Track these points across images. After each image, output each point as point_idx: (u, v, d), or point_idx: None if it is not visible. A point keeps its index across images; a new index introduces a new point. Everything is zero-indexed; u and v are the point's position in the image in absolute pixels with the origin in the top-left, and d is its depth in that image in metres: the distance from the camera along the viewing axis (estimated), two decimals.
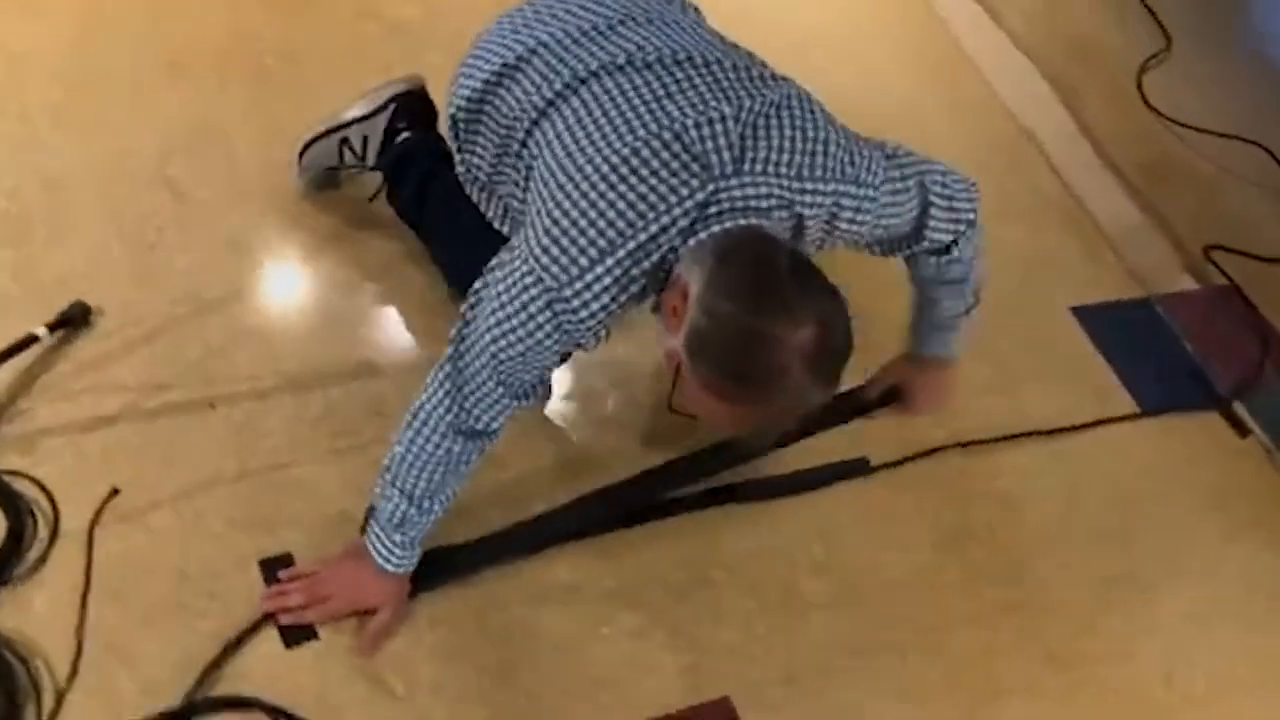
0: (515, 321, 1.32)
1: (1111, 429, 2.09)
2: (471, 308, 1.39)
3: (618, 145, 1.31)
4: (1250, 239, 2.46)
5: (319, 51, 2.14)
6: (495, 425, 1.43)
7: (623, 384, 1.89)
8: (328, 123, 1.85)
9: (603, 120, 1.34)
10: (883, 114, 2.06)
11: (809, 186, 1.33)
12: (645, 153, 1.29)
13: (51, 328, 1.63)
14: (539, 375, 1.41)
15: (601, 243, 1.27)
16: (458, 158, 1.62)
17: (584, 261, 1.28)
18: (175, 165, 1.89)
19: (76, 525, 1.51)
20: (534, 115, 1.43)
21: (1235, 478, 2.11)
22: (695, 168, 1.28)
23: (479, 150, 1.55)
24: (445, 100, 1.61)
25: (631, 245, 1.27)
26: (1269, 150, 2.61)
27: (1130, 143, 2.65)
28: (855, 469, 1.89)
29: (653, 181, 1.28)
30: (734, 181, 1.29)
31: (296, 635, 1.49)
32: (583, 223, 1.28)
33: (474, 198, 1.67)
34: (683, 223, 1.27)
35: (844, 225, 1.40)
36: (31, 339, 1.60)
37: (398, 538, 1.46)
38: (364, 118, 1.83)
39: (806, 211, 1.34)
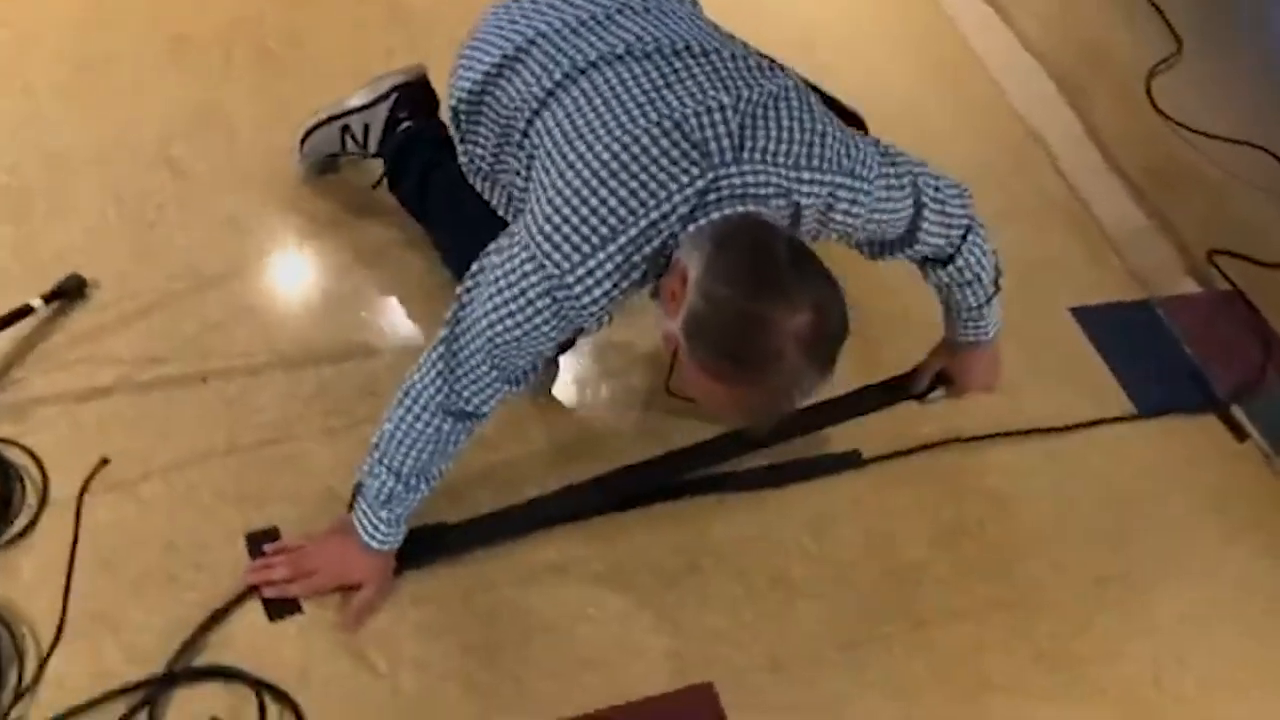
0: (514, 306, 1.33)
1: (1108, 429, 2.08)
2: (468, 290, 1.39)
3: (618, 134, 1.32)
4: (1256, 244, 2.45)
5: (322, 36, 2.16)
6: (485, 408, 1.44)
7: (617, 368, 1.90)
8: (330, 110, 1.86)
9: (603, 109, 1.36)
10: (887, 111, 2.06)
11: (806, 176, 1.35)
12: (645, 140, 1.31)
13: (47, 299, 1.64)
14: (533, 360, 1.42)
15: (603, 230, 1.29)
16: (461, 148, 1.63)
17: (586, 249, 1.29)
18: (177, 145, 1.91)
19: (66, 493, 1.52)
20: (534, 105, 1.44)
21: (1232, 481, 2.09)
22: (695, 155, 1.30)
23: (481, 140, 1.57)
24: (446, 90, 1.62)
25: (633, 232, 1.29)
26: (1277, 156, 2.60)
27: (1137, 146, 2.64)
28: (848, 462, 1.89)
29: (653, 170, 1.29)
30: (733, 169, 1.30)
31: (280, 609, 1.50)
32: (584, 210, 1.29)
33: (477, 186, 1.68)
34: (683, 209, 1.29)
35: (838, 216, 1.42)
36: (26, 310, 1.62)
37: (384, 514, 1.47)
38: (365, 106, 1.84)
39: (803, 200, 1.36)
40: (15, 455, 1.53)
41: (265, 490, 1.59)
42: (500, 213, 1.67)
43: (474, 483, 1.66)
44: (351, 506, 1.51)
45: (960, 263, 1.59)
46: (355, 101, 1.84)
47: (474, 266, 1.39)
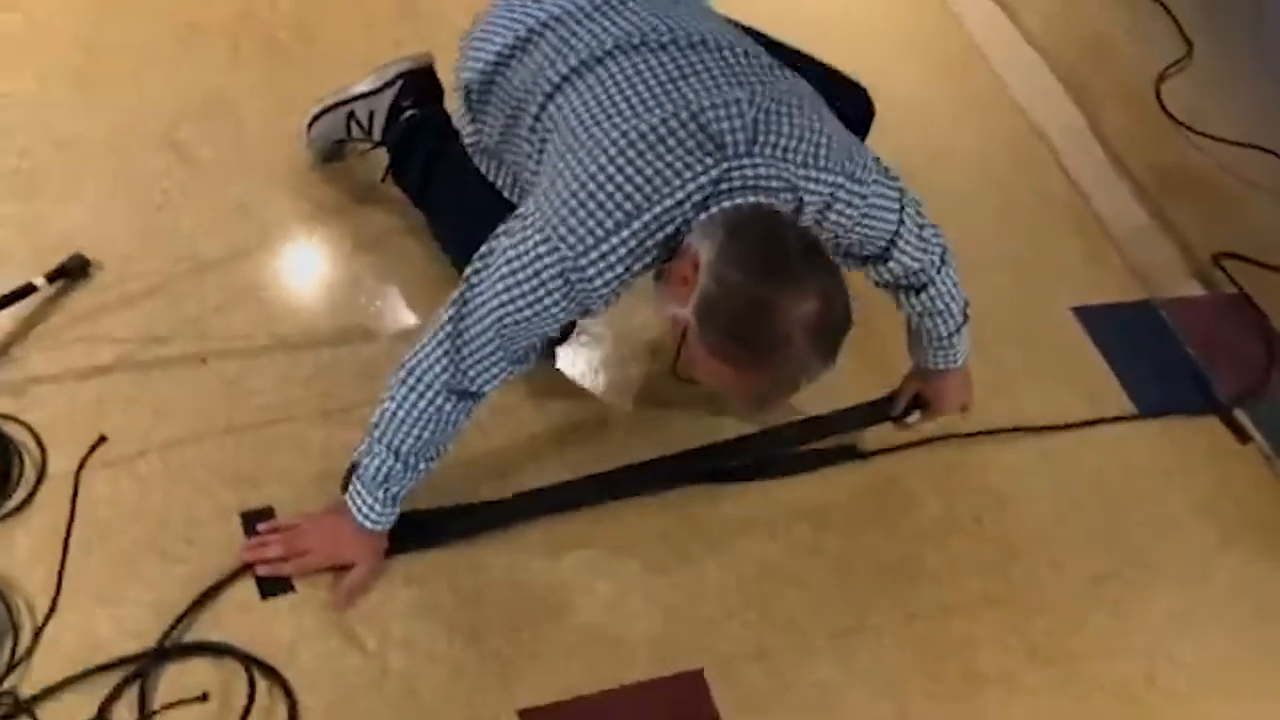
0: (526, 287, 1.36)
1: (1107, 429, 2.08)
2: (477, 272, 1.41)
3: (635, 122, 1.36)
4: (1263, 247, 2.44)
5: (331, 26, 2.18)
6: (488, 387, 1.46)
7: (613, 357, 1.91)
8: (336, 96, 1.88)
9: (619, 98, 1.39)
10: (891, 107, 2.06)
11: (813, 174, 1.39)
12: (663, 130, 1.35)
13: (50, 278, 1.66)
14: (538, 341, 1.45)
15: (618, 215, 1.32)
16: (470, 126, 1.64)
17: (600, 232, 1.33)
18: (185, 131, 1.93)
19: (63, 469, 1.54)
20: (548, 89, 1.46)
21: (1232, 483, 2.09)
22: (710, 146, 1.34)
23: (489, 120, 1.58)
24: (456, 70, 1.64)
25: (647, 217, 1.33)
26: None
27: (1145, 148, 2.64)
28: (845, 455, 1.89)
29: (669, 158, 1.33)
30: (745, 161, 1.35)
31: (272, 587, 1.51)
32: (600, 196, 1.33)
33: (482, 166, 1.70)
34: (696, 197, 1.33)
35: (833, 216, 1.46)
36: (29, 288, 1.64)
37: (380, 494, 1.48)
38: (371, 93, 1.86)
39: (807, 197, 1.40)
40: (14, 430, 1.55)
41: (261, 470, 1.61)
42: (506, 193, 1.70)
43: (467, 468, 1.67)
44: (345, 487, 1.52)
45: (933, 291, 1.64)
46: (361, 88, 1.86)
47: (483, 248, 1.42)
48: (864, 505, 1.85)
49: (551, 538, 1.67)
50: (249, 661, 1.44)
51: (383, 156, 1.90)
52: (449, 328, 1.41)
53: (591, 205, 1.33)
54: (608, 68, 1.43)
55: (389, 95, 1.85)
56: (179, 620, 1.45)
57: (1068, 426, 2.06)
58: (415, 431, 1.45)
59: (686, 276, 1.31)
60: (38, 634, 1.41)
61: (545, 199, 1.36)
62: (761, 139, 1.36)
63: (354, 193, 1.96)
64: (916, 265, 1.60)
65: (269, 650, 1.46)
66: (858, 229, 1.50)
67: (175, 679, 1.41)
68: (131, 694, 1.38)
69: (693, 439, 1.82)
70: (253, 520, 1.56)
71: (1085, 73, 2.76)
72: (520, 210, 1.41)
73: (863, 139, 1.72)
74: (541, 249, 1.34)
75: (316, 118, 1.90)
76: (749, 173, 1.35)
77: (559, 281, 1.34)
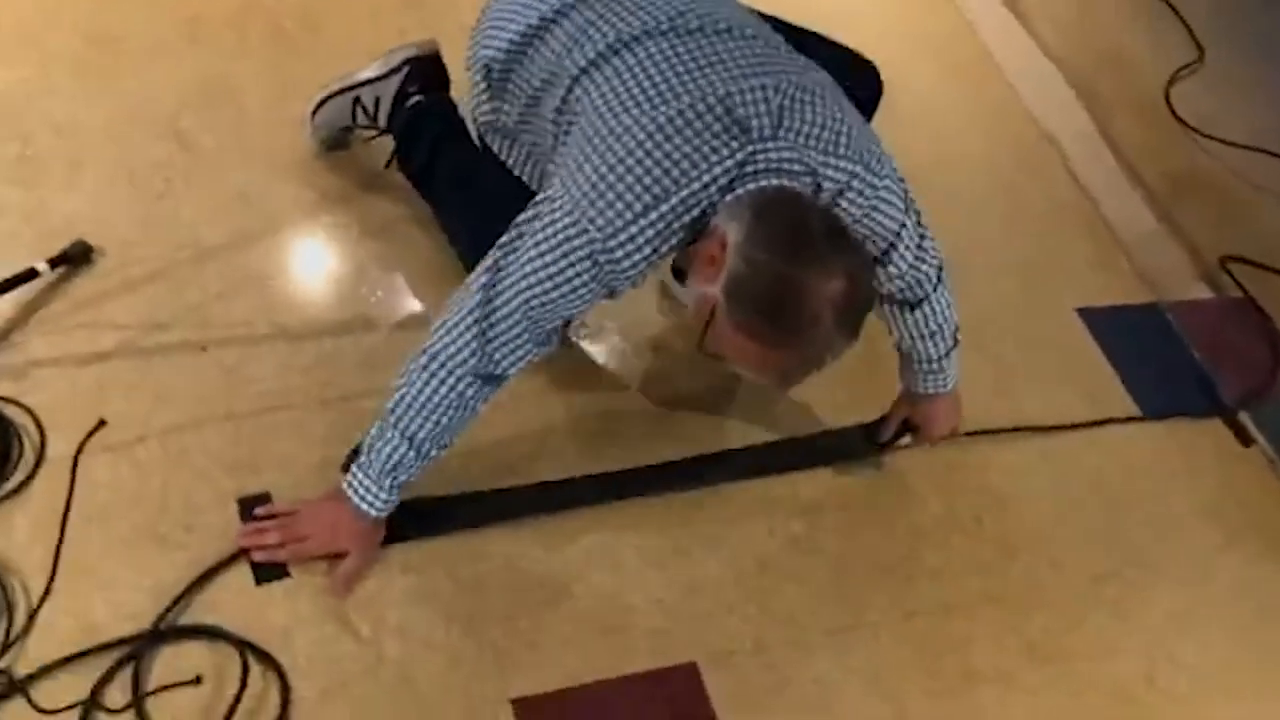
0: (554, 269, 1.38)
1: (1110, 430, 2.07)
2: (505, 254, 1.42)
3: (664, 108, 1.38)
4: (1271, 252, 2.43)
5: (337, 17, 2.18)
6: (512, 370, 1.47)
7: (620, 351, 1.92)
8: (341, 82, 1.89)
9: (647, 84, 1.41)
10: (902, 111, 2.07)
11: (831, 161, 1.42)
12: (690, 114, 1.37)
13: (52, 264, 1.67)
14: (561, 322, 1.46)
15: (647, 198, 1.35)
16: (487, 105, 1.64)
17: (629, 215, 1.35)
18: (188, 119, 1.94)
19: (62, 452, 1.54)
20: (574, 73, 1.47)
21: (1235, 485, 2.08)
22: (735, 130, 1.37)
23: (509, 99, 1.59)
24: (472, 49, 1.63)
25: (675, 200, 1.36)
26: None
27: (1154, 152, 2.63)
28: (846, 454, 1.88)
29: (696, 142, 1.36)
30: (770, 145, 1.38)
31: (268, 572, 1.51)
32: (629, 178, 1.35)
33: (495, 145, 1.70)
34: (723, 180, 1.36)
35: (845, 204, 1.48)
36: (32, 273, 1.64)
37: (386, 482, 1.48)
38: (377, 79, 1.86)
39: (824, 183, 1.43)
40: (14, 414, 1.55)
41: (259, 457, 1.61)
42: (516, 171, 1.71)
43: (465, 458, 1.67)
44: (345, 473, 1.52)
45: (928, 309, 1.65)
46: (367, 74, 1.87)
47: (510, 231, 1.43)
48: (864, 503, 1.84)
49: (550, 529, 1.66)
50: (243, 646, 1.44)
51: (387, 144, 1.91)
52: (477, 311, 1.42)
53: (620, 188, 1.35)
54: (635, 53, 1.45)
55: (396, 81, 1.85)
56: (174, 604, 1.45)
57: (1070, 427, 2.05)
58: (435, 417, 1.45)
59: (714, 256, 1.34)
60: (33, 615, 1.41)
61: (573, 182, 1.38)
62: (785, 124, 1.39)
63: (358, 181, 1.96)
64: (914, 275, 1.61)
65: (263, 635, 1.46)
66: (865, 220, 1.51)
67: (169, 662, 1.42)
68: (125, 676, 1.39)
69: (697, 436, 1.83)
70: (250, 506, 1.56)
71: (1095, 77, 2.75)
72: (547, 193, 1.42)
73: (870, 117, 1.74)
74: (570, 231, 1.37)
75: (321, 104, 1.90)
76: (773, 156, 1.38)
77: (587, 263, 1.37)
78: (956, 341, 1.73)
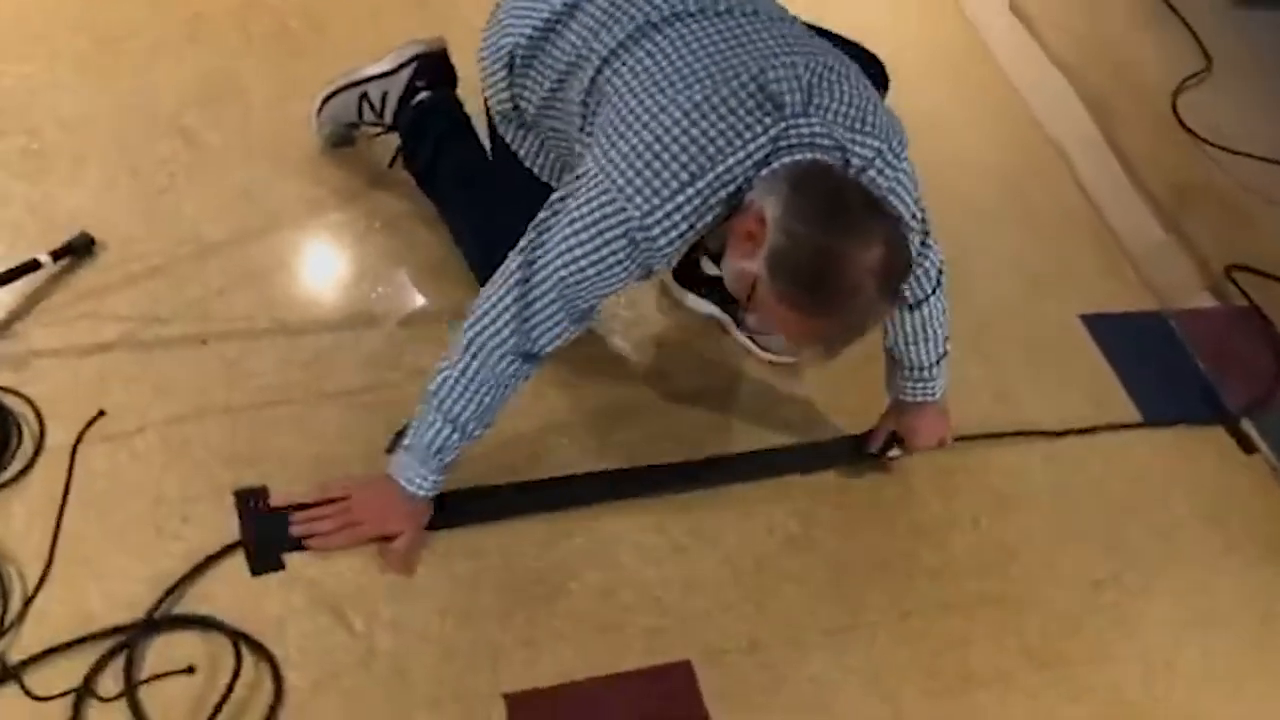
0: (590, 246, 1.40)
1: (1112, 436, 2.07)
2: (540, 234, 1.44)
3: (697, 86, 1.40)
4: (1276, 261, 2.43)
5: (342, 16, 2.20)
6: (550, 348, 1.49)
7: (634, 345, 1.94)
8: (348, 77, 1.90)
9: (680, 63, 1.43)
10: (907, 116, 2.06)
11: (858, 138, 1.45)
12: (725, 91, 1.39)
13: (55, 255, 1.67)
14: (598, 301, 1.48)
15: (684, 175, 1.37)
16: (504, 93, 1.64)
17: (666, 192, 1.37)
18: (192, 115, 1.95)
19: (61, 442, 1.54)
20: (604, 54, 1.48)
21: (1236, 492, 2.07)
22: (769, 106, 1.40)
23: (531, 85, 1.59)
24: (490, 39, 1.63)
25: (710, 176, 1.37)
26: None
27: (1160, 160, 2.63)
28: (849, 455, 1.88)
29: (731, 119, 1.38)
30: (801, 121, 1.40)
31: (263, 564, 1.52)
32: (665, 156, 1.37)
33: (508, 135, 1.71)
34: (758, 155, 1.38)
35: (865, 181, 1.49)
36: (34, 264, 1.65)
37: (433, 464, 1.51)
38: (385, 74, 1.87)
39: (853, 159, 1.45)
40: (14, 403, 1.56)
41: (257, 450, 1.61)
42: (528, 163, 1.71)
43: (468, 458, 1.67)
44: (390, 454, 1.55)
45: (926, 312, 1.67)
46: (375, 69, 1.88)
47: (543, 213, 1.45)
48: (863, 503, 1.84)
49: (547, 526, 1.66)
50: (236, 636, 1.44)
51: (392, 142, 1.92)
52: (515, 290, 1.44)
53: (657, 165, 1.37)
54: (665, 34, 1.46)
55: (404, 76, 1.86)
56: (169, 593, 1.45)
57: (1071, 432, 2.05)
58: (476, 397, 1.47)
59: (752, 232, 1.35)
60: (28, 603, 1.41)
61: (608, 160, 1.39)
62: (816, 101, 1.42)
63: (362, 178, 1.97)
64: (918, 268, 1.61)
65: (257, 626, 1.46)
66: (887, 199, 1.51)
67: (162, 651, 1.42)
68: (118, 664, 1.39)
69: (697, 436, 1.84)
70: (247, 499, 1.56)
71: (1103, 86, 2.75)
72: (581, 172, 1.43)
73: None
74: (608, 209, 1.38)
75: (327, 99, 1.91)
76: (804, 131, 1.40)
77: (623, 241, 1.39)
78: (947, 351, 1.73)
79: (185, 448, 1.59)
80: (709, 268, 1.92)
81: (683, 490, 1.77)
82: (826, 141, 1.41)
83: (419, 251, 1.91)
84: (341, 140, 1.98)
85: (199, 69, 2.02)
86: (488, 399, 1.48)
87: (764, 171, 1.38)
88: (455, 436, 1.49)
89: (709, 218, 1.40)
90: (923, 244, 1.61)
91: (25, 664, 1.36)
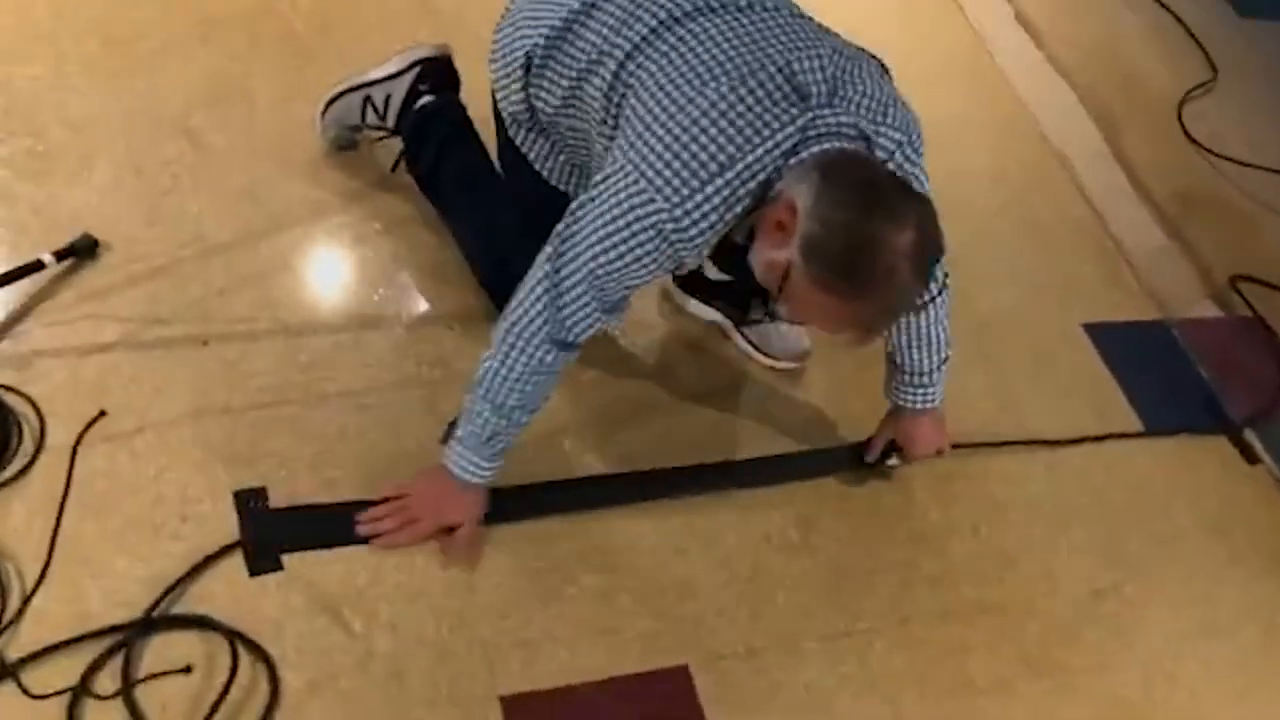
0: (620, 238, 1.42)
1: (1114, 445, 2.07)
2: (570, 226, 1.45)
3: (724, 78, 1.42)
4: None
5: (350, 23, 2.20)
6: (584, 337, 1.51)
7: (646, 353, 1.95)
8: (353, 80, 1.90)
9: (706, 56, 1.45)
10: None
11: (882, 129, 1.47)
12: (753, 83, 1.41)
13: (58, 256, 1.68)
14: (630, 291, 1.50)
15: (713, 166, 1.39)
16: (518, 95, 1.64)
17: (695, 182, 1.39)
18: (197, 117, 1.95)
19: (61, 441, 1.55)
20: (627, 48, 1.49)
21: (1239, 503, 2.07)
22: (795, 97, 1.42)
23: (548, 85, 1.60)
24: (502, 43, 1.64)
25: (740, 166, 1.39)
26: None
27: (1165, 170, 2.63)
28: (849, 461, 1.88)
29: (759, 110, 1.40)
30: (827, 111, 1.42)
31: (261, 564, 1.52)
32: (694, 147, 1.39)
33: (518, 138, 1.71)
34: (786, 145, 1.40)
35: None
36: (38, 265, 1.66)
37: (486, 451, 1.54)
38: (389, 77, 1.88)
39: (877, 150, 1.47)
40: (15, 402, 1.56)
41: (256, 450, 1.62)
42: (538, 166, 1.72)
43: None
44: (444, 444, 1.58)
45: (930, 316, 1.68)
46: (380, 72, 1.89)
47: (574, 205, 1.46)
48: (862, 510, 1.84)
49: (543, 529, 1.67)
50: (233, 636, 1.44)
51: (395, 146, 1.92)
52: (546, 282, 1.46)
53: (685, 156, 1.38)
54: (688, 28, 1.48)
55: (408, 79, 1.87)
56: (167, 593, 1.46)
57: (1073, 441, 2.04)
58: (519, 386, 1.50)
59: (783, 221, 1.36)
60: (26, 601, 1.42)
61: (636, 153, 1.41)
62: (841, 92, 1.44)
63: (365, 181, 1.97)
64: None
65: (255, 626, 1.47)
66: None
67: (160, 651, 1.42)
68: (115, 663, 1.39)
69: (698, 441, 1.84)
70: (246, 499, 1.57)
71: (1108, 95, 2.76)
72: (610, 166, 1.44)
73: None
74: (637, 200, 1.40)
75: (331, 102, 1.92)
76: (830, 121, 1.42)
77: (652, 233, 1.40)
78: (947, 357, 1.73)
79: (185, 448, 1.60)
80: (711, 272, 1.92)
81: (682, 495, 1.77)
82: (852, 131, 1.43)
83: (420, 254, 1.91)
84: (345, 143, 1.99)
85: (205, 71, 2.03)
86: (529, 387, 1.51)
87: (792, 161, 1.39)
88: (504, 423, 1.52)
89: (738, 209, 1.41)
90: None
91: (23, 662, 1.37)
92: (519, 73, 1.62)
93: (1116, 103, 2.74)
